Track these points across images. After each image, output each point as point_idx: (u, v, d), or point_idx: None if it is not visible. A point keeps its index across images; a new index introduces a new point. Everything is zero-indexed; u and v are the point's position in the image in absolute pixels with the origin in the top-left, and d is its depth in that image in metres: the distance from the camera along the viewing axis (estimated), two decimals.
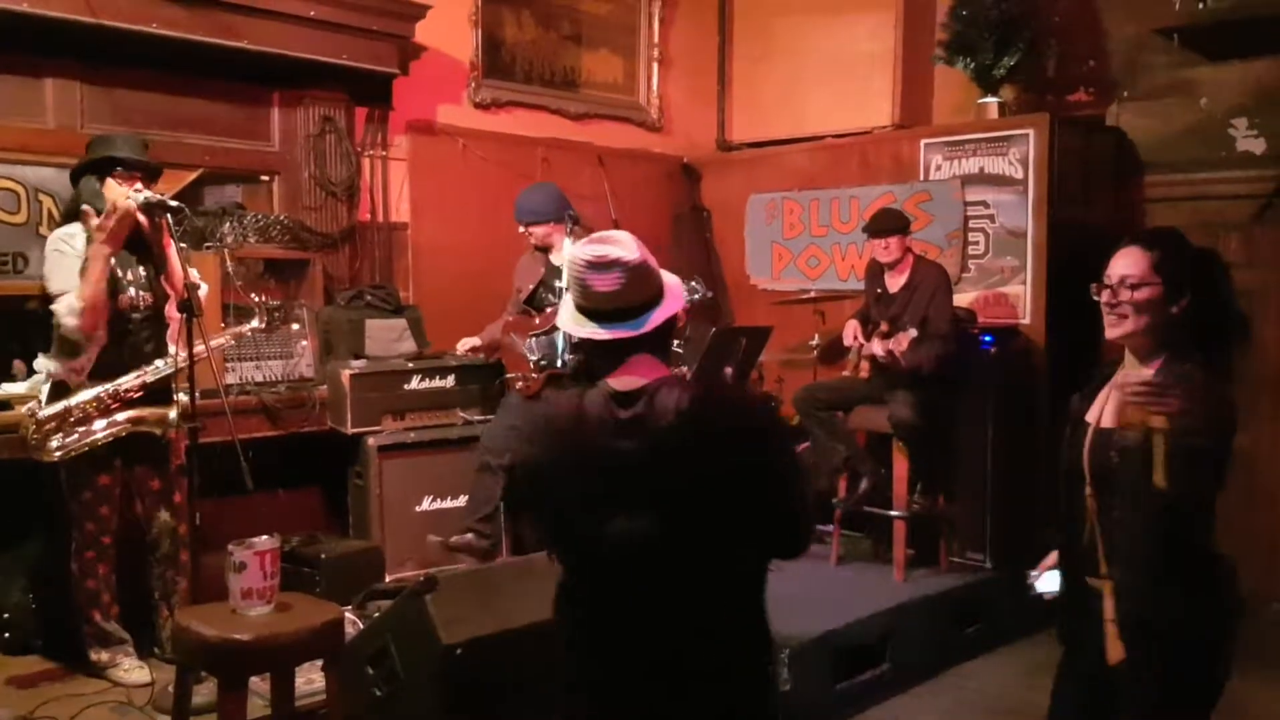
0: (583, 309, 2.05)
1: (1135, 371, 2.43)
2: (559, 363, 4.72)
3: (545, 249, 4.94)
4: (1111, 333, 2.49)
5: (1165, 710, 2.42)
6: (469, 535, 4.74)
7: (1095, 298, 2.51)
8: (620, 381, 2.02)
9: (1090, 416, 2.56)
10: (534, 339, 4.77)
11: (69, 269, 3.58)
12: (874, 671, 4.44)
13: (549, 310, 4.77)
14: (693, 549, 1.94)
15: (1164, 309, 2.39)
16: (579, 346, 2.19)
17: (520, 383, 4.78)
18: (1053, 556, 2.78)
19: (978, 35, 5.59)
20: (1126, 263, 2.45)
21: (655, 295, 2.05)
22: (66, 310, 3.54)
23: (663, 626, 1.98)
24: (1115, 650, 2.40)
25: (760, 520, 1.97)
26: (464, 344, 5.08)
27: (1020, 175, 5.43)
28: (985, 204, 5.57)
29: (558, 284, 4.76)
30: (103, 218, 3.52)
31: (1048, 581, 2.78)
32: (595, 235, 2.09)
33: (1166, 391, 2.19)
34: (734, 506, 1.93)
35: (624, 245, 2.03)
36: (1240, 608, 2.56)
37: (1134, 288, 2.42)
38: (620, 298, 2.01)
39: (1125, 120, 5.73)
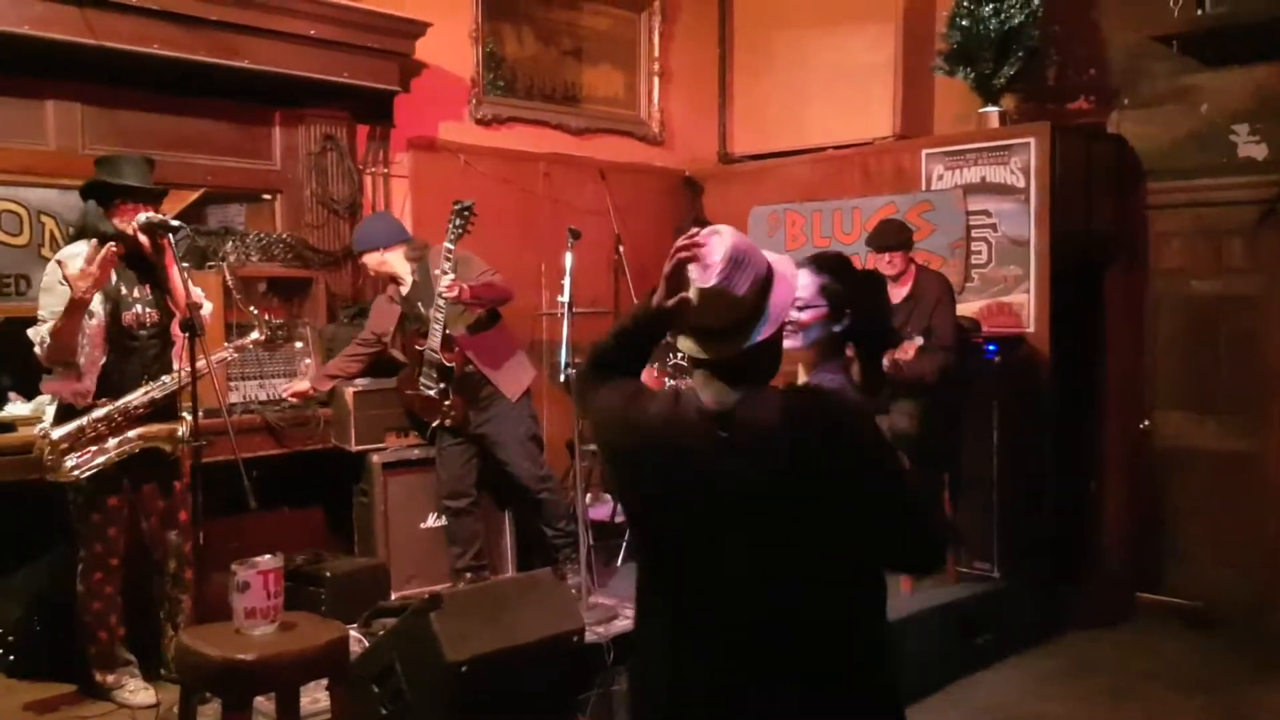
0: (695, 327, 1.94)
1: None
2: (448, 379, 4.64)
3: (397, 282, 4.79)
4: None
5: None
6: (468, 575, 4.75)
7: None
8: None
9: None
10: (423, 378, 4.66)
11: (57, 297, 3.60)
12: None
13: (419, 344, 4.64)
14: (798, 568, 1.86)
15: (826, 328, 2.61)
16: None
17: (447, 420, 4.70)
18: None
19: (977, 45, 5.59)
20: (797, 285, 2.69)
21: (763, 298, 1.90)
22: (38, 339, 3.58)
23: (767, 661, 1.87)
24: None
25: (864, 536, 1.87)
26: (291, 388, 4.72)
27: (1022, 184, 5.43)
28: (987, 213, 5.57)
29: (419, 309, 4.69)
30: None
31: None
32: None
33: None
34: (833, 523, 1.85)
35: (708, 250, 1.90)
36: None
37: (801, 309, 2.62)
38: (748, 301, 1.88)
39: (1126, 128, 5.73)
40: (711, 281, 1.86)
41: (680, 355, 5.70)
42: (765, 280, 1.90)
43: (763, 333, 1.89)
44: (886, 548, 1.91)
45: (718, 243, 1.89)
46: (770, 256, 1.96)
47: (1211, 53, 5.31)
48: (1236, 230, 5.45)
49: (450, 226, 4.50)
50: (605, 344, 2.10)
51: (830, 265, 2.69)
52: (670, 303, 1.93)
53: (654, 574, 2.02)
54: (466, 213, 4.50)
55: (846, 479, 1.83)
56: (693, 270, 1.90)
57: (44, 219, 4.31)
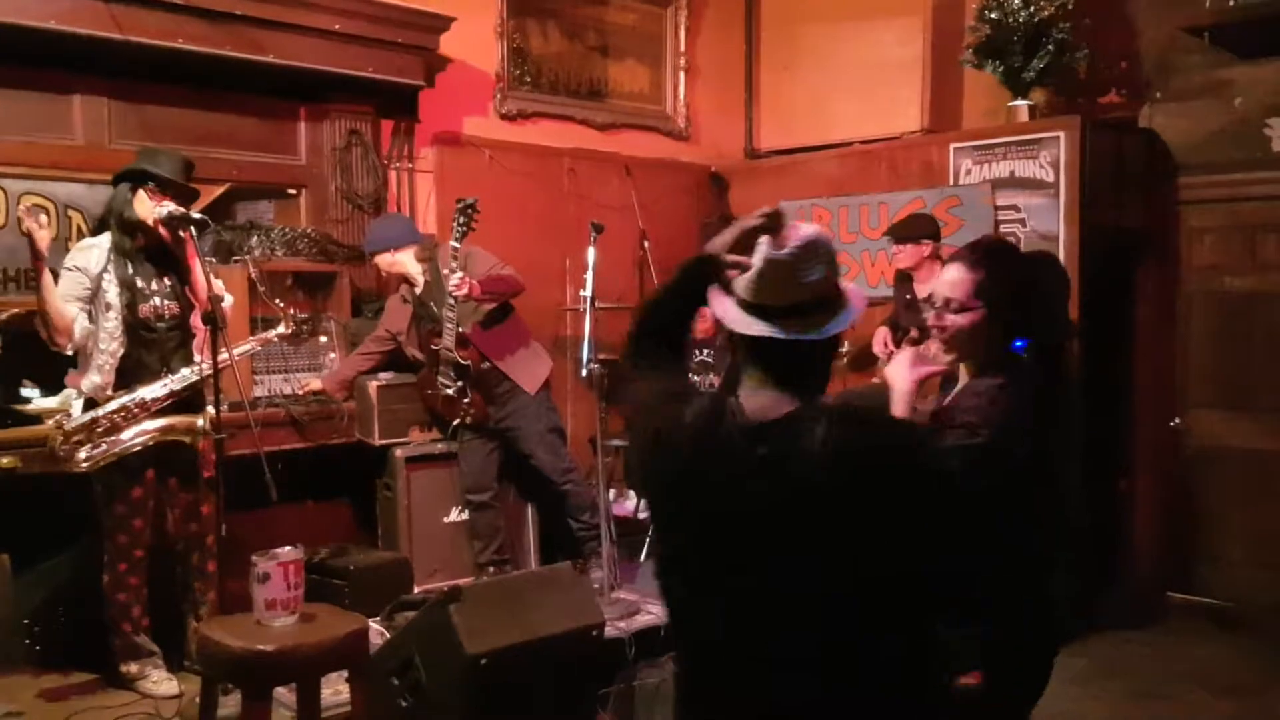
0: (755, 305, 1.76)
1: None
2: (465, 377, 4.66)
3: (409, 282, 4.83)
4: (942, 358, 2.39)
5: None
6: (490, 569, 4.75)
7: (924, 319, 2.41)
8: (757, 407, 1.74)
9: None
10: (441, 377, 4.68)
11: (67, 282, 3.65)
12: None
13: (434, 344, 4.68)
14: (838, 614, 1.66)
15: (986, 332, 2.30)
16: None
17: (467, 418, 4.71)
18: None
19: (1007, 38, 5.53)
20: (950, 284, 2.34)
21: (838, 298, 1.79)
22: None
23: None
24: None
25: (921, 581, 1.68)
26: (308, 386, 4.73)
27: (1051, 179, 5.36)
28: (1016, 208, 5.50)
29: (432, 309, 4.70)
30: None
31: None
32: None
33: None
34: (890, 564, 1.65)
35: (790, 230, 1.79)
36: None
37: (957, 311, 2.32)
38: (810, 289, 1.75)
39: (1158, 121, 5.65)
40: (781, 254, 1.75)
41: (706, 352, 5.69)
42: (836, 283, 1.79)
43: (846, 321, 1.76)
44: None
45: (803, 228, 1.80)
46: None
47: (1244, 45, 5.23)
48: (1271, 226, 5.37)
49: (455, 225, 4.53)
50: (647, 307, 2.01)
51: (989, 259, 2.36)
52: (730, 258, 1.79)
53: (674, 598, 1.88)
54: (470, 210, 4.53)
55: (886, 524, 1.65)
56: (764, 241, 1.77)
57: (71, 213, 4.35)
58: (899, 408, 2.28)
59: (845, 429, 1.67)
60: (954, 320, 2.30)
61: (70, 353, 3.70)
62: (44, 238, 3.48)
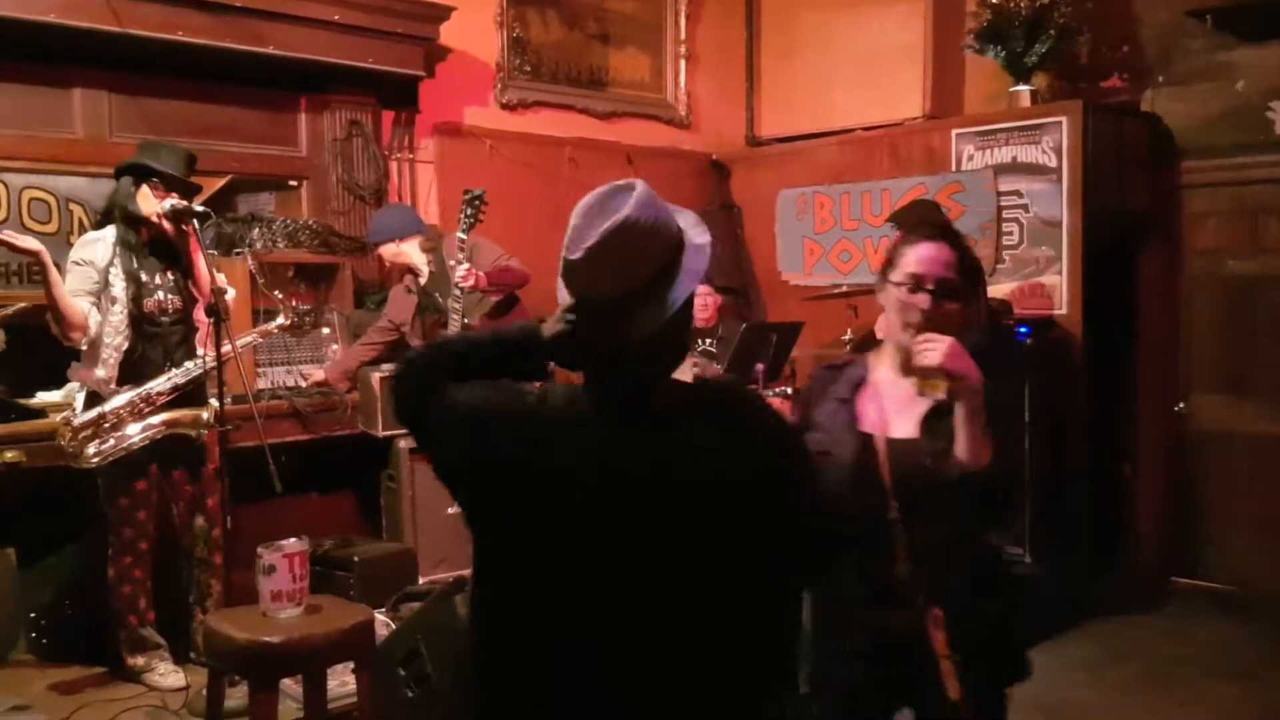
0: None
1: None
2: None
3: (414, 272, 4.83)
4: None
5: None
6: None
7: (912, 303, 2.15)
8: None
9: (871, 428, 2.21)
10: None
11: (74, 277, 3.65)
12: None
13: (439, 332, 4.64)
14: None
15: (976, 314, 2.24)
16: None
17: None
18: None
19: (1008, 23, 5.51)
20: (945, 263, 2.15)
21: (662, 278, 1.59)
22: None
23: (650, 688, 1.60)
24: (955, 686, 2.14)
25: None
26: (312, 378, 4.78)
27: (1054, 164, 5.34)
28: (1019, 193, 5.49)
29: (437, 299, 4.71)
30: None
31: None
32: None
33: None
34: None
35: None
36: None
37: (951, 293, 2.12)
38: (611, 292, 1.57)
39: (1160, 105, 5.63)
40: (575, 256, 1.59)
41: (709, 342, 5.68)
42: (663, 258, 1.63)
43: (665, 313, 1.59)
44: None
45: (629, 200, 1.61)
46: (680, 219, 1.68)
47: (1247, 27, 5.20)
48: (1274, 209, 5.35)
49: (461, 216, 4.52)
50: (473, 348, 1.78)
51: (946, 230, 2.24)
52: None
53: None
54: (477, 201, 4.52)
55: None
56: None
57: (72, 207, 4.35)
58: (976, 402, 2.06)
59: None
60: (952, 306, 2.15)
61: (84, 347, 3.71)
62: (24, 240, 3.48)
